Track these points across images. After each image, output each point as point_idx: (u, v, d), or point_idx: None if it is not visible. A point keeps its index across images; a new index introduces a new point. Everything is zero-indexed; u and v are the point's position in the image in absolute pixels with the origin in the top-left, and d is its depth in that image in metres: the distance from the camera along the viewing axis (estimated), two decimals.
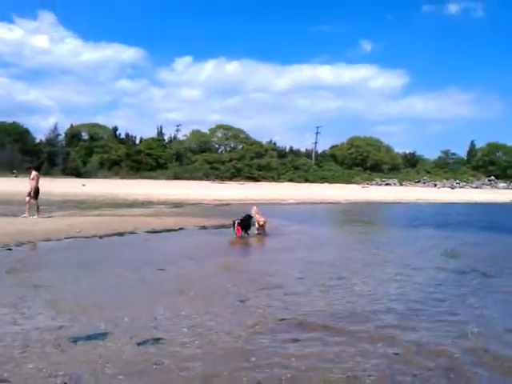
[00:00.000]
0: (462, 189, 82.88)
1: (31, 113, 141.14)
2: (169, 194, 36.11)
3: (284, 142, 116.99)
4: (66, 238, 13.10)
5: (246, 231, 14.69)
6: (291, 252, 12.37)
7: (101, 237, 13.68)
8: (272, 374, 4.41)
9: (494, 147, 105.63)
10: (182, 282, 8.40)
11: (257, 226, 15.15)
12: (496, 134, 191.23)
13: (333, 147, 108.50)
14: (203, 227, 17.05)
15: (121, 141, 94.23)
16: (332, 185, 77.25)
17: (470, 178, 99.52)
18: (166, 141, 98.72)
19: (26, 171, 27.08)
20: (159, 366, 4.56)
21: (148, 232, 15.11)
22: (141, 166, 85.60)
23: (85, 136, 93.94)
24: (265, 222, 15.27)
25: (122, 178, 72.90)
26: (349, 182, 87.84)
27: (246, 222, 14.67)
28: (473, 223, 22.95)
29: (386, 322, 6.16)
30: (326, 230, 18.96)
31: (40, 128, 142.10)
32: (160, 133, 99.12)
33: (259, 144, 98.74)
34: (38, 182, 18.01)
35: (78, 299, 6.91)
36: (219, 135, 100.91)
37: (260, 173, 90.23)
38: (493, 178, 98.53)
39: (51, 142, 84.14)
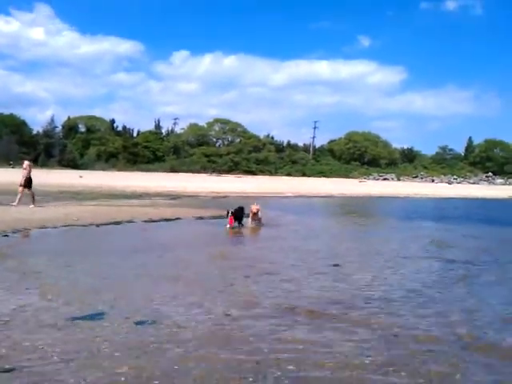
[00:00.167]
0: (459, 184, 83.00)
1: (28, 105, 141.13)
2: (166, 186, 36.03)
3: (282, 136, 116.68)
4: (62, 226, 13.06)
5: (239, 222, 14.64)
6: (287, 241, 12.41)
7: (98, 225, 13.65)
8: (270, 355, 4.40)
9: (491, 144, 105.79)
10: (179, 267, 8.40)
11: (251, 215, 14.87)
12: (494, 130, 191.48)
13: (330, 142, 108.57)
14: (200, 218, 17.03)
15: (118, 133, 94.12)
16: (329, 179, 77.21)
17: (468, 173, 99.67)
18: (164, 134, 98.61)
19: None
20: (156, 344, 4.56)
21: (145, 221, 15.09)
22: (138, 159, 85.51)
23: (82, 128, 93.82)
24: (258, 210, 14.88)
25: (119, 170, 72.81)
26: (346, 176, 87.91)
27: (238, 213, 14.59)
28: (471, 217, 23.02)
29: (379, 308, 6.15)
30: (322, 222, 18.96)
31: (37, 120, 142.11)
32: (157, 126, 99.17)
33: (257, 138, 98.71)
34: (30, 172, 17.87)
35: (74, 283, 6.90)
36: (217, 129, 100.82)
37: (258, 166, 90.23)
38: (490, 174, 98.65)
39: (48, 133, 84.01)
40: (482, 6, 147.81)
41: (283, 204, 27.56)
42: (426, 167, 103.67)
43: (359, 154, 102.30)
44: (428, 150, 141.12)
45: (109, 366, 4.04)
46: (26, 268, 7.77)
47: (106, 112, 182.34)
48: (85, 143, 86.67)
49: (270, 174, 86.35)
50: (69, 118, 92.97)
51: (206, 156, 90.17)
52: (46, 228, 12.66)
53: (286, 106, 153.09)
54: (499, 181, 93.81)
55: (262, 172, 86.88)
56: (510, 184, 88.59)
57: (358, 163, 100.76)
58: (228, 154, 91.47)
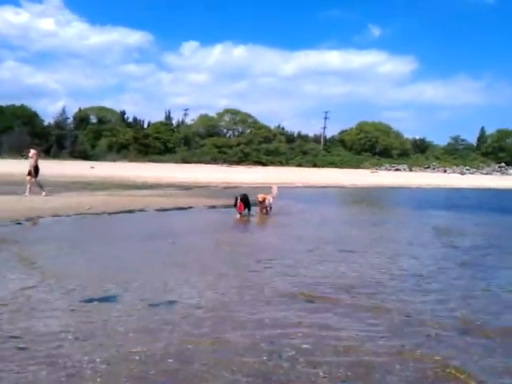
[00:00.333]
0: (471, 175, 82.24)
1: (39, 96, 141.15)
2: (177, 177, 36.08)
3: (292, 126, 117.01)
4: (75, 215, 13.15)
5: (248, 210, 14.47)
6: (298, 228, 12.38)
7: (110, 214, 13.74)
8: (283, 335, 4.41)
9: (503, 134, 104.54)
10: (191, 253, 8.43)
11: (258, 204, 14.64)
12: (506, 120, 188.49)
13: (341, 132, 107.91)
14: (212, 206, 17.07)
15: (129, 124, 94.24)
16: (340, 170, 76.87)
17: (480, 164, 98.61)
18: (174, 125, 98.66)
19: None
20: (170, 325, 4.58)
21: (157, 210, 15.13)
22: (149, 150, 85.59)
23: (93, 119, 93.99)
24: (264, 199, 14.59)
25: (131, 161, 72.93)
26: (357, 167, 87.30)
27: (246, 201, 14.37)
28: (483, 206, 22.84)
29: (391, 293, 6.14)
30: (334, 211, 18.87)
31: (48, 112, 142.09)
32: (168, 117, 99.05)
33: (267, 129, 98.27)
34: (36, 161, 17.96)
35: (88, 267, 6.96)
36: (227, 119, 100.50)
37: (268, 157, 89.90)
38: (503, 164, 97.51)
39: (60, 125, 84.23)
40: None
41: (294, 194, 27.46)
42: (438, 158, 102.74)
43: (370, 145, 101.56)
44: (440, 140, 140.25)
45: (123, 346, 4.07)
46: (39, 253, 7.84)
47: (117, 103, 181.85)
48: (96, 134, 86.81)
49: (281, 164, 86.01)
50: (80, 109, 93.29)
51: (217, 147, 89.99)
52: (58, 216, 12.76)
53: (296, 96, 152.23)
54: None
55: (273, 163, 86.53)
56: None
57: (369, 154, 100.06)
58: (238, 144, 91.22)
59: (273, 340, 4.29)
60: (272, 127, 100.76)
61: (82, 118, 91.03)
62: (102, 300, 5.30)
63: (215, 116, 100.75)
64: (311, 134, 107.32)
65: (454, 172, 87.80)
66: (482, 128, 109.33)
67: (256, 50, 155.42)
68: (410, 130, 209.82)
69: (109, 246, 8.96)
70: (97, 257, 7.85)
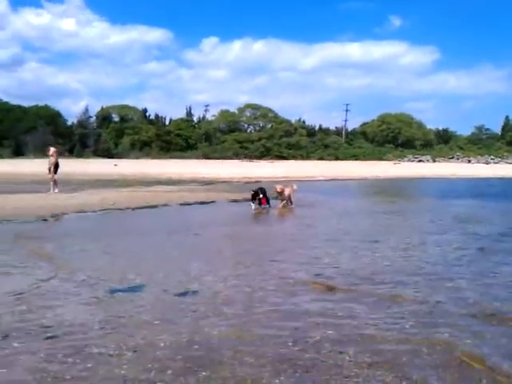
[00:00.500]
0: (496, 164, 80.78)
1: (61, 96, 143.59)
2: (200, 173, 36.22)
3: (313, 120, 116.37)
4: (100, 210, 13.31)
5: (267, 202, 14.49)
6: (321, 219, 12.37)
7: (134, 209, 13.87)
8: (308, 323, 4.41)
9: None
10: (214, 244, 8.49)
11: (279, 197, 14.67)
12: None
13: (363, 124, 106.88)
14: (235, 200, 17.10)
15: (150, 122, 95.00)
16: (363, 162, 76.24)
17: (505, 153, 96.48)
18: (195, 121, 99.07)
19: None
20: (195, 313, 4.61)
21: (181, 204, 15.24)
22: (171, 147, 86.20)
23: (115, 118, 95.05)
24: (282, 190, 14.55)
25: (153, 158, 73.53)
26: (380, 159, 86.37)
27: (264, 194, 14.37)
28: (509, 195, 22.43)
29: (414, 281, 6.08)
30: (357, 202, 18.72)
31: (71, 112, 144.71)
32: (189, 113, 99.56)
33: (288, 123, 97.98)
34: (56, 158, 18.18)
35: (113, 259, 7.07)
36: (248, 115, 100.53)
37: (289, 151, 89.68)
38: None
39: (83, 124, 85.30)
40: None
41: (316, 186, 27.36)
42: (461, 148, 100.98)
43: (393, 136, 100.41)
44: (463, 130, 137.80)
45: (149, 334, 4.11)
46: (65, 248, 7.97)
47: (138, 101, 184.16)
48: (118, 132, 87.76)
49: (302, 158, 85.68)
50: (102, 108, 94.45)
51: (238, 142, 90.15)
52: (83, 212, 12.93)
53: (316, 89, 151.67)
54: None
55: (294, 157, 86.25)
56: None
57: (391, 145, 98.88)
58: (259, 139, 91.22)
59: (297, 327, 4.29)
60: (293, 121, 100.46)
61: (104, 117, 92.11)
62: (127, 290, 5.36)
63: (236, 111, 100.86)
64: (332, 127, 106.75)
65: (478, 162, 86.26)
66: (507, 117, 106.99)
67: (275, 44, 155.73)
68: (433, 121, 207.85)
69: (133, 239, 9.05)
70: (122, 249, 7.95)
